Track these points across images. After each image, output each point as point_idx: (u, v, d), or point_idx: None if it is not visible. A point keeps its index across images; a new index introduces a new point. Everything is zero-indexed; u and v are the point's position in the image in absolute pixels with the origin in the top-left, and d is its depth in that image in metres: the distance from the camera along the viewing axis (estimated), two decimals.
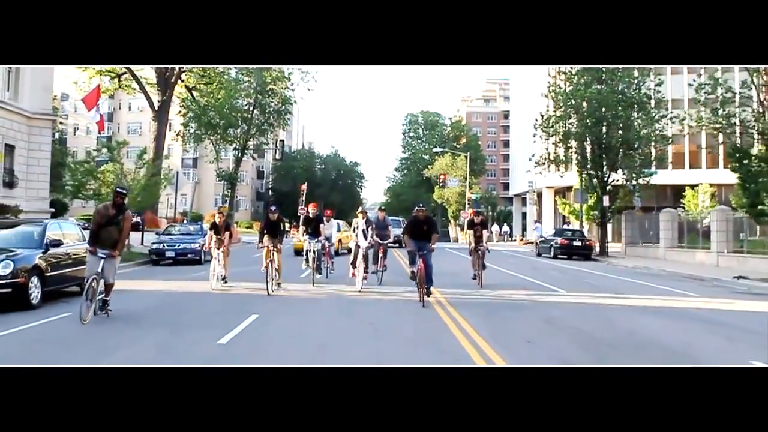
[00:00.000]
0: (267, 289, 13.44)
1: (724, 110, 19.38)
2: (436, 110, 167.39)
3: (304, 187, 52.73)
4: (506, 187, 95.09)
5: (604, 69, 32.73)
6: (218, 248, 14.94)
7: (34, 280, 11.03)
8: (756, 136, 19.31)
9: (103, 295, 9.97)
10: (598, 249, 33.21)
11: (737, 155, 19.09)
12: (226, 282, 14.83)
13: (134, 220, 27.74)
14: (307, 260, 16.20)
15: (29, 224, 13.55)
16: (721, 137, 20.51)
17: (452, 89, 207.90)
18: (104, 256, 9.83)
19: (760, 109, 19.16)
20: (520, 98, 72.45)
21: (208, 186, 78.46)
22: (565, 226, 40.95)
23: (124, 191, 10.40)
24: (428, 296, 12.12)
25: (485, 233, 16.33)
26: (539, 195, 65.37)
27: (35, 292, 11.02)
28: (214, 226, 15.44)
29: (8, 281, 10.50)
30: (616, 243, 38.51)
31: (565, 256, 30.87)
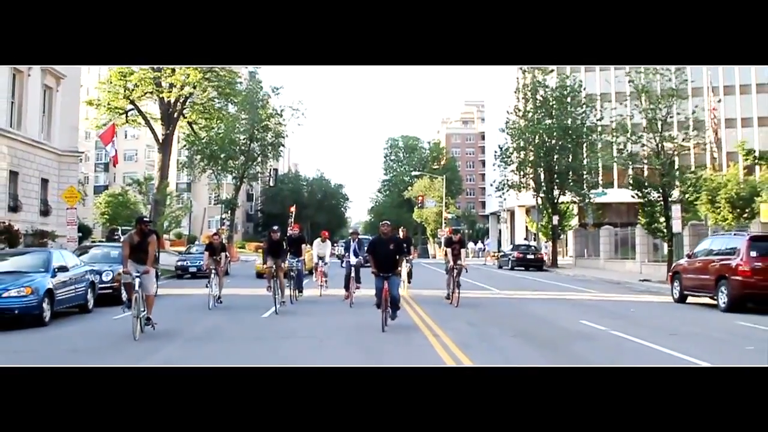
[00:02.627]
0: (275, 309, 13.86)
1: (627, 151, 24.90)
2: (417, 132, 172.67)
3: (293, 209, 57.63)
4: (484, 205, 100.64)
5: (554, 105, 38.39)
6: (214, 268, 15.50)
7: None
8: (654, 170, 24.76)
9: (145, 312, 10.80)
10: (550, 261, 38.62)
11: (638, 185, 24.62)
12: (221, 302, 15.31)
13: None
14: (290, 279, 16.23)
15: (105, 247, 18.65)
16: (631, 171, 25.91)
17: (432, 112, 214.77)
18: (138, 274, 10.70)
19: (657, 149, 24.63)
20: (494, 120, 78.22)
21: (202, 209, 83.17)
22: (523, 242, 46.35)
23: (149, 220, 12.01)
24: (393, 319, 11.60)
25: (463, 252, 16.51)
26: (512, 213, 70.85)
27: (124, 293, 16.00)
28: (209, 247, 16.14)
29: (109, 285, 15.52)
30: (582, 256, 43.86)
31: (522, 268, 36.08)
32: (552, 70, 39.65)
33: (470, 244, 72.22)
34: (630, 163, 24.73)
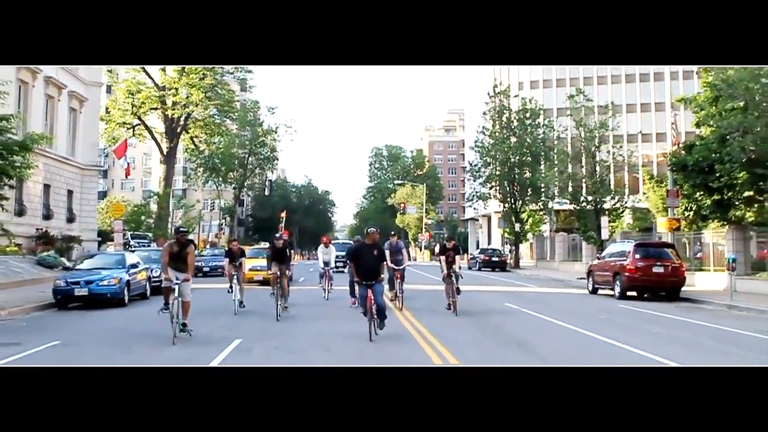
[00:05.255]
0: (276, 314, 14.16)
1: (567, 172, 30.38)
2: (401, 139, 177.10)
3: (284, 214, 62.57)
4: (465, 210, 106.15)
5: (517, 126, 43.90)
6: (236, 274, 16.15)
7: None
8: (589, 187, 30.25)
9: (182, 317, 11.24)
10: (513, 262, 44.03)
11: (574, 199, 30.03)
12: (243, 307, 15.93)
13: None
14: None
15: (144, 251, 23.64)
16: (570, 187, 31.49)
17: (416, 120, 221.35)
18: (179, 281, 11.22)
19: (592, 170, 30.14)
20: (473, 129, 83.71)
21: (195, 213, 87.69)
22: (489, 246, 51.82)
23: (186, 230, 12.51)
24: (381, 328, 11.33)
25: (458, 258, 16.07)
26: (489, 219, 76.38)
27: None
28: (229, 254, 16.86)
29: (158, 279, 20.42)
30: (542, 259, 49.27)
31: (489, 269, 41.40)
32: (516, 95, 45.15)
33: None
34: (557, 182, 30.25)
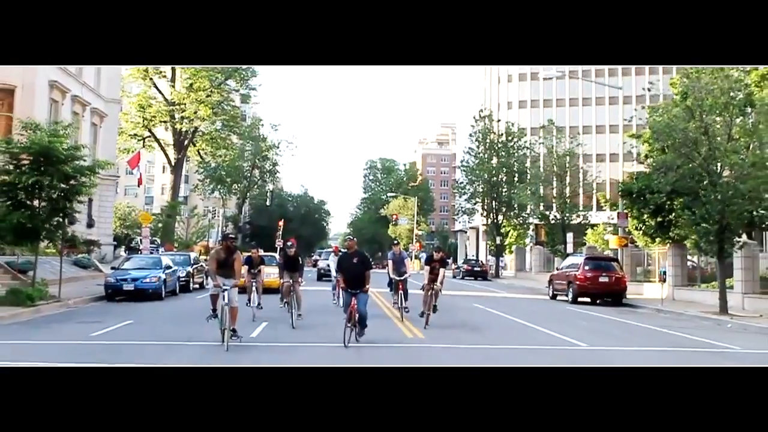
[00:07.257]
0: (291, 322, 14.11)
1: (537, 191, 34.52)
2: (396, 151, 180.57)
3: (282, 223, 66.18)
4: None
5: (500, 148, 48.07)
6: (254, 281, 16.45)
7: (191, 278, 24.83)
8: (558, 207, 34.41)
9: (231, 324, 10.85)
10: (494, 272, 48.03)
11: (543, 217, 34.08)
12: (261, 308, 16.20)
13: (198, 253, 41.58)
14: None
15: (169, 255, 27.49)
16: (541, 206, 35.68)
17: (410, 133, 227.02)
18: (228, 287, 10.98)
19: (559, 194, 34.26)
20: (464, 144, 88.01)
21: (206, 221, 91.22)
22: (471, 257, 55.93)
23: (234, 237, 12.84)
24: (361, 336, 11.63)
25: (442, 271, 15.52)
26: (477, 231, 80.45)
27: (191, 284, 24.80)
28: (249, 261, 16.81)
29: (184, 278, 24.28)
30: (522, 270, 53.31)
31: (472, 277, 45.33)
32: (499, 120, 49.36)
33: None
34: (532, 201, 34.50)
